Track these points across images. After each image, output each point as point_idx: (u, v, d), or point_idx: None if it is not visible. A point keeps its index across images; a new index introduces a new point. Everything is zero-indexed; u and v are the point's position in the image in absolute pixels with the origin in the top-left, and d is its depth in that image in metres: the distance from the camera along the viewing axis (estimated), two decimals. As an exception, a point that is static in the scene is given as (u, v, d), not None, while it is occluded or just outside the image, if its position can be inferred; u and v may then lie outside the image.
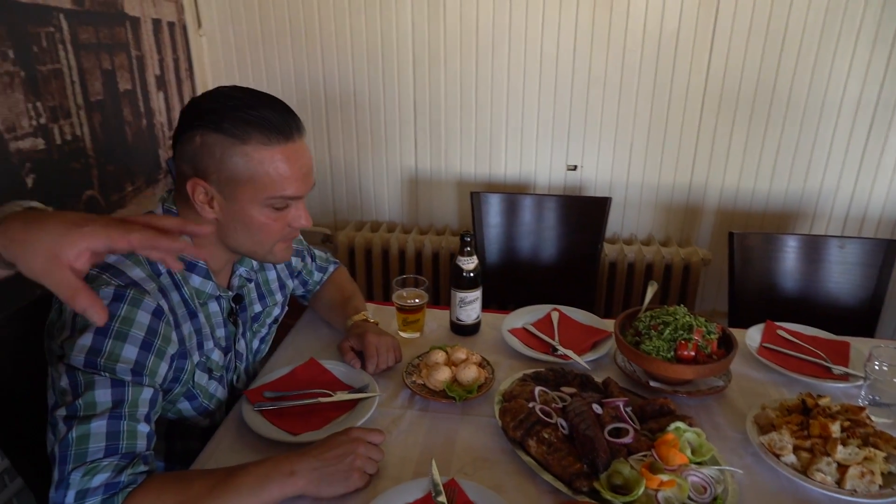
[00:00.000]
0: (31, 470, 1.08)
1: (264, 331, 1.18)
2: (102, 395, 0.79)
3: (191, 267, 0.96)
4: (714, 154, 2.23)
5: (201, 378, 1.00)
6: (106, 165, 1.78)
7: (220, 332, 1.03)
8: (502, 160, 2.32)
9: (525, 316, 1.41)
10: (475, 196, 1.95)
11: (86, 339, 0.81)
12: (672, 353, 1.10)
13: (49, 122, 1.55)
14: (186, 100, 2.18)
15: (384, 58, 2.23)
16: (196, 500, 0.77)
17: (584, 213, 1.94)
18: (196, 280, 0.97)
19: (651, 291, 1.32)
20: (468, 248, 1.30)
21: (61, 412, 0.78)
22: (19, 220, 0.59)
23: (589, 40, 2.12)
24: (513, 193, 1.99)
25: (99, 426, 0.77)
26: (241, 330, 1.10)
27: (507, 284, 1.99)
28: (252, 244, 0.95)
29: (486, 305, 1.39)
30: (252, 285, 1.12)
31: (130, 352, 0.82)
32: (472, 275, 1.31)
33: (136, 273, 0.88)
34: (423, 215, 2.45)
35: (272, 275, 1.18)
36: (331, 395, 1.11)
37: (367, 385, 1.13)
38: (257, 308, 1.14)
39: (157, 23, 2.02)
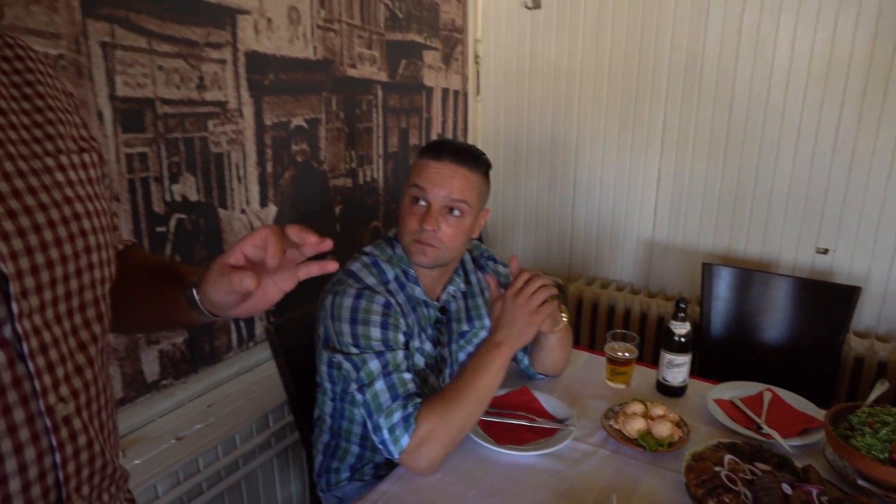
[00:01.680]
0: (305, 424, 1.45)
1: (470, 348, 1.39)
2: (373, 365, 1.14)
3: (409, 276, 1.27)
4: None
5: (420, 361, 1.27)
6: (390, 203, 2.21)
7: (431, 332, 1.30)
8: (743, 235, 2.29)
9: (735, 390, 1.43)
10: (706, 267, 1.98)
11: (346, 330, 1.16)
12: (887, 454, 1.06)
13: (357, 166, 2.02)
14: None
15: (635, 129, 2.38)
16: (453, 395, 1.13)
17: (827, 300, 1.85)
18: (411, 286, 1.27)
19: (879, 390, 1.26)
20: (682, 314, 1.39)
21: (353, 386, 1.15)
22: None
23: (857, 116, 2.02)
24: (749, 270, 1.97)
25: (380, 385, 1.12)
26: (447, 339, 1.34)
27: (726, 358, 1.97)
28: (401, 234, 1.25)
29: (698, 373, 1.44)
30: (461, 304, 1.37)
31: (376, 332, 1.16)
32: (682, 340, 1.39)
33: (370, 280, 1.22)
34: (655, 279, 2.51)
35: (479, 301, 1.41)
36: (534, 420, 1.29)
37: (567, 418, 1.29)
38: (465, 327, 1.37)
39: (445, 91, 2.45)
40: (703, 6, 2.18)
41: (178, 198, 1.44)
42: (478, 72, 2.63)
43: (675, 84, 2.28)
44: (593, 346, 2.52)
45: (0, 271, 0.51)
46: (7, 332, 0.52)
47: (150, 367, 1.44)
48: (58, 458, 0.56)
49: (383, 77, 2.07)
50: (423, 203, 1.21)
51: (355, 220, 2.05)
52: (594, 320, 2.51)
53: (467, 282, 1.39)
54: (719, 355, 1.97)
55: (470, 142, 2.68)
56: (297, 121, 1.74)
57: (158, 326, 1.29)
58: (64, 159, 0.61)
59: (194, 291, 0.70)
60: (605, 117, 2.44)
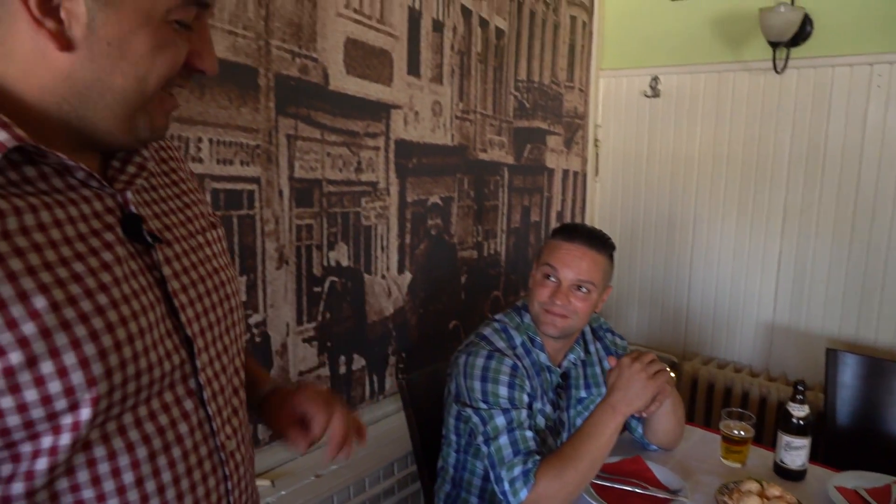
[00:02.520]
0: (427, 475, 1.58)
1: (587, 414, 1.47)
2: (499, 421, 1.26)
3: (535, 342, 1.39)
4: None
5: (541, 422, 1.37)
6: (510, 275, 2.37)
7: (551, 396, 1.41)
8: (873, 321, 2.21)
9: (860, 479, 1.40)
10: (831, 353, 1.94)
11: (477, 386, 1.29)
12: None
13: (482, 240, 2.20)
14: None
15: (754, 212, 2.41)
16: (569, 454, 1.22)
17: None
18: (536, 352, 1.39)
19: None
20: (800, 397, 1.40)
21: (479, 439, 1.28)
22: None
23: None
24: (879, 358, 1.91)
25: (504, 440, 1.24)
26: (566, 403, 1.44)
27: (851, 447, 1.89)
28: (531, 304, 1.44)
29: (821, 460, 1.43)
30: (580, 371, 1.47)
31: (504, 390, 1.28)
32: (800, 422, 1.40)
33: (500, 344, 1.36)
34: (775, 363, 2.45)
35: (597, 370, 1.50)
36: (647, 489, 1.35)
37: (680, 489, 1.33)
38: (583, 394, 1.47)
39: (566, 172, 2.62)
40: (825, 97, 2.22)
41: (332, 263, 1.67)
42: (597, 154, 2.79)
43: (797, 168, 2.31)
44: (709, 426, 2.47)
45: (186, 334, 0.64)
46: (192, 383, 0.65)
47: (299, 409, 1.65)
48: (229, 485, 0.69)
49: (510, 160, 2.28)
50: (553, 279, 1.36)
51: (479, 288, 2.22)
52: (710, 401, 2.48)
53: (587, 351, 1.50)
54: (844, 444, 1.90)
55: (587, 219, 2.81)
56: (434, 198, 1.97)
57: None
58: (209, 235, 0.73)
59: (260, 405, 0.86)
60: (723, 199, 2.49)
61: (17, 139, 0.52)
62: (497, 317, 1.44)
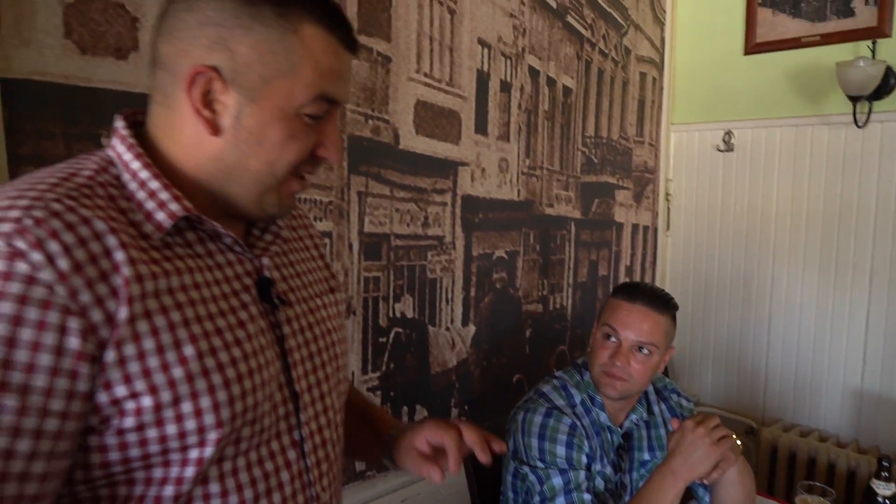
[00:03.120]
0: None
1: None
2: (556, 481, 1.25)
3: (595, 401, 1.37)
4: None
5: (600, 484, 1.34)
6: (576, 329, 2.35)
7: (612, 457, 1.37)
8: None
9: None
10: (926, 426, 1.80)
11: (534, 444, 1.28)
12: None
13: (548, 294, 2.20)
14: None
15: (838, 270, 2.30)
16: None
17: None
18: (596, 411, 1.36)
19: None
20: (886, 473, 1.31)
21: (536, 499, 1.27)
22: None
23: None
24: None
25: (561, 501, 1.23)
26: (628, 465, 1.39)
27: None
28: (591, 365, 1.37)
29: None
30: (644, 433, 1.42)
31: (562, 450, 1.26)
32: (886, 501, 1.30)
33: (559, 401, 1.34)
34: (865, 433, 2.28)
35: (662, 432, 1.45)
36: (715, 563, 1.28)
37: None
38: (646, 456, 1.41)
39: (635, 226, 2.60)
40: (914, 150, 2.12)
41: (398, 314, 1.72)
42: (668, 208, 2.75)
43: (884, 224, 2.19)
44: (789, 499, 2.31)
45: (294, 389, 0.71)
46: (297, 434, 0.71)
47: (361, 457, 1.68)
48: None
49: (577, 214, 2.29)
50: (613, 340, 1.35)
51: (543, 343, 2.21)
52: (791, 471, 2.32)
53: (650, 412, 1.46)
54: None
55: (658, 275, 2.75)
56: (499, 252, 2.00)
57: (347, 454, 1.53)
58: (326, 299, 0.81)
59: (391, 449, 0.90)
60: (804, 256, 2.38)
61: (185, 210, 0.63)
62: (557, 374, 1.43)
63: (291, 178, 0.68)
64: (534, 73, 2.05)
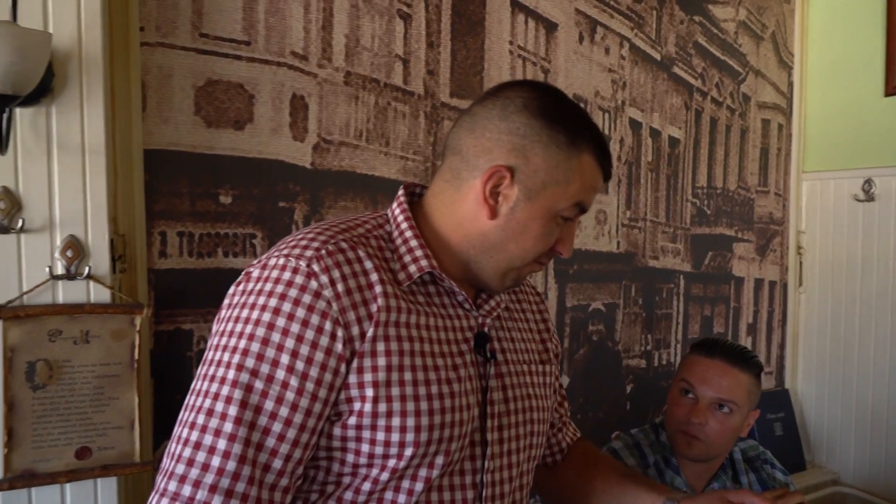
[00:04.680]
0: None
1: None
2: None
3: (670, 464, 1.31)
4: None
5: None
6: (687, 388, 2.22)
7: None
8: None
9: None
10: None
11: None
12: None
13: (653, 349, 2.12)
14: (776, 346, 2.48)
15: None
16: None
17: None
18: (671, 475, 1.30)
19: None
20: None
21: None
22: None
23: None
24: None
25: None
26: None
27: None
28: (668, 423, 1.27)
29: None
30: None
31: None
32: None
33: (630, 461, 1.31)
34: None
35: None
36: None
37: None
38: None
39: (759, 282, 2.43)
40: None
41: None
42: (800, 263, 2.54)
43: None
44: None
45: (485, 437, 0.81)
46: (479, 478, 0.81)
47: None
48: None
49: (687, 268, 2.20)
50: (691, 396, 1.29)
51: (646, 400, 2.12)
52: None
53: (736, 481, 1.36)
54: None
55: (790, 334, 2.53)
56: (596, 304, 1.98)
57: None
58: (535, 367, 0.92)
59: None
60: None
61: (431, 267, 0.79)
62: (632, 431, 1.39)
63: (533, 263, 0.83)
64: (635, 125, 2.04)
